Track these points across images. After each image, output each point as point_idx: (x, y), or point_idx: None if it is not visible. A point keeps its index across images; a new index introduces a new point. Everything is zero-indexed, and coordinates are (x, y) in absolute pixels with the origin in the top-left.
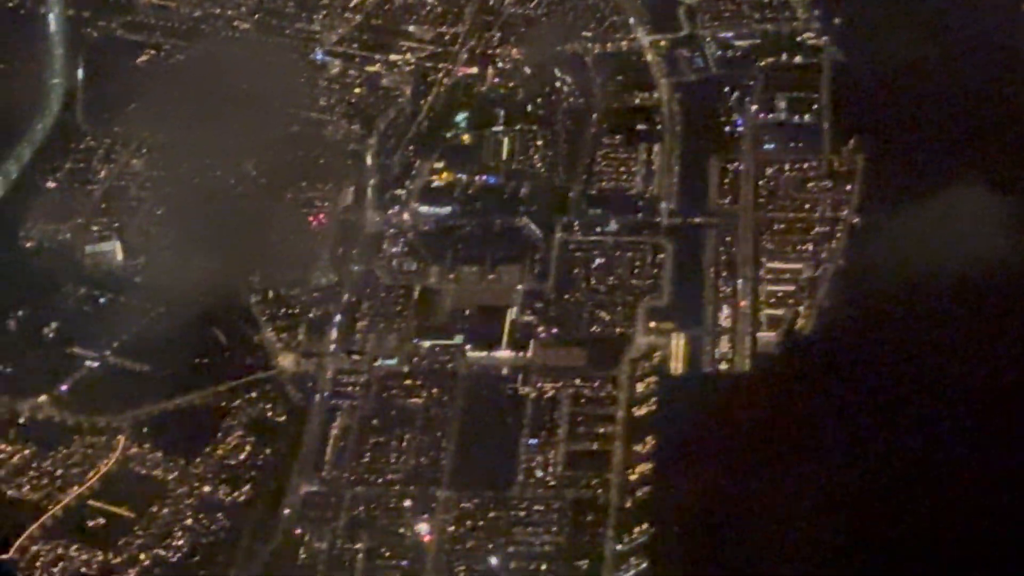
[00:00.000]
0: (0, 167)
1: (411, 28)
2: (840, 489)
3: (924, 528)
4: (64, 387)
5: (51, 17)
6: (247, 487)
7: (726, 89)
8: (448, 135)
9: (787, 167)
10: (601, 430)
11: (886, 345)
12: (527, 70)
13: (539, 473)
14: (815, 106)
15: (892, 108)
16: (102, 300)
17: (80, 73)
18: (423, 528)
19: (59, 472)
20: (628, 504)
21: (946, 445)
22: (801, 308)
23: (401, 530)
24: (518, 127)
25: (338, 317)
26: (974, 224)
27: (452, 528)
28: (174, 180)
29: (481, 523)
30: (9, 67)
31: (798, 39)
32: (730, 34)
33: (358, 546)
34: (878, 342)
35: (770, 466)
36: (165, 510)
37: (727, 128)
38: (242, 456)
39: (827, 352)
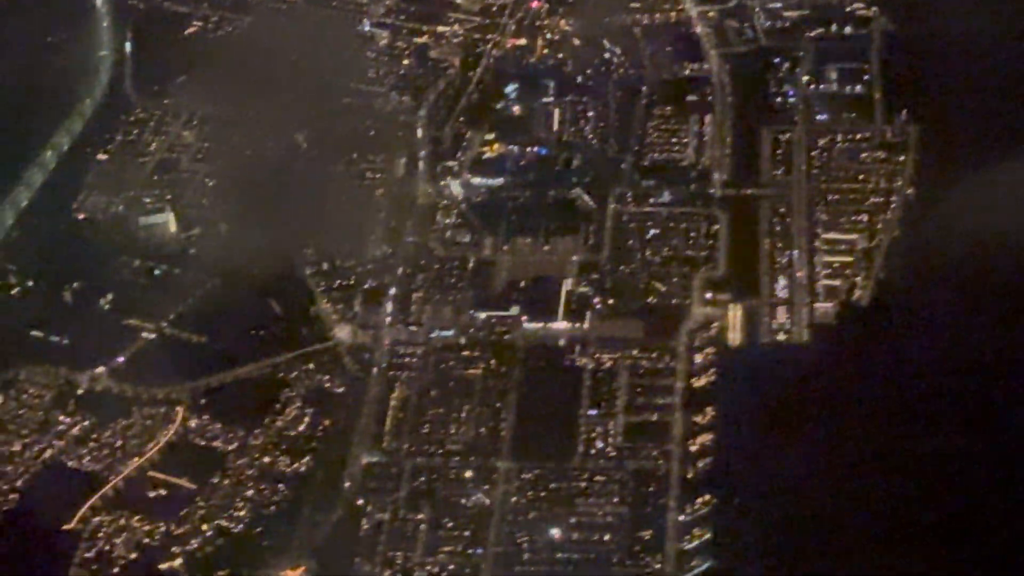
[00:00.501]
0: (51, 140)
1: (460, 1)
2: (900, 458)
3: (985, 495)
4: (121, 359)
5: None
6: (307, 458)
7: (776, 60)
8: (498, 106)
9: (839, 138)
10: (660, 401)
11: (944, 316)
12: (576, 41)
13: (599, 444)
14: (866, 77)
15: (944, 78)
16: (157, 272)
17: (128, 45)
18: (485, 499)
19: (119, 443)
20: (690, 475)
21: (1005, 414)
22: (858, 279)
23: (463, 501)
24: (568, 98)
25: (393, 289)
26: None
27: (514, 499)
28: (226, 152)
29: (542, 494)
30: (57, 40)
31: (847, 9)
32: (779, 4)
33: (420, 517)
34: (935, 313)
35: (830, 437)
36: (226, 481)
37: (778, 99)
38: (301, 427)
39: (885, 323)
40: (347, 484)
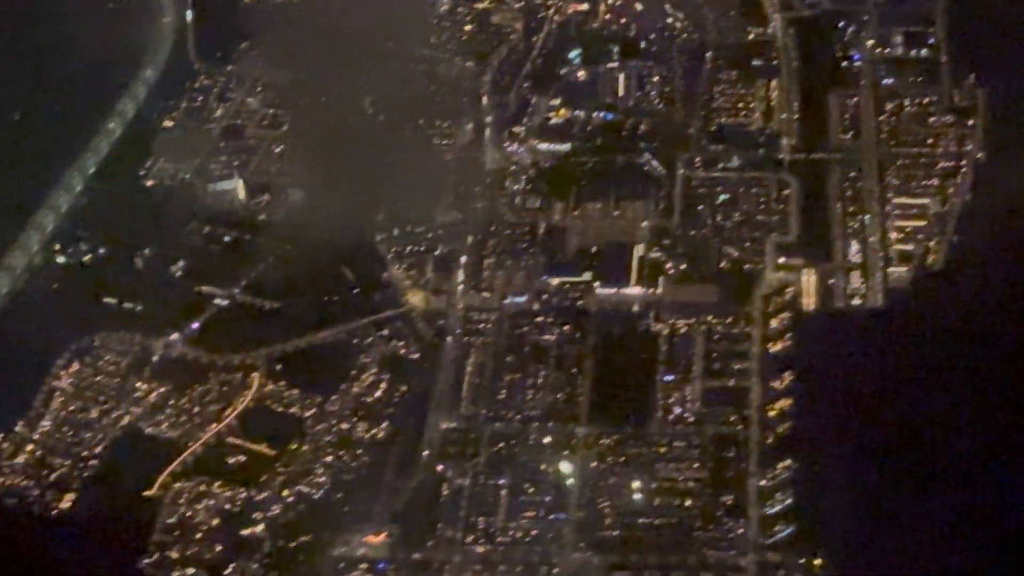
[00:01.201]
0: (116, 107)
1: None
2: (978, 422)
3: None
4: (195, 325)
5: None
6: (385, 424)
7: (840, 24)
8: (563, 72)
9: (907, 102)
10: (737, 366)
11: (1019, 280)
12: (638, 6)
13: (677, 409)
14: (931, 40)
15: (1011, 39)
16: (227, 238)
17: (189, 13)
18: (565, 465)
19: (196, 410)
20: (769, 440)
21: None
22: (931, 243)
23: (543, 466)
24: (633, 63)
25: (464, 255)
26: None
27: (594, 464)
28: (291, 119)
29: (622, 459)
30: (119, 8)
31: None
32: None
33: (501, 482)
34: (1010, 277)
35: (908, 401)
36: (305, 447)
37: (844, 63)
38: (378, 393)
39: (960, 287)
40: (426, 450)
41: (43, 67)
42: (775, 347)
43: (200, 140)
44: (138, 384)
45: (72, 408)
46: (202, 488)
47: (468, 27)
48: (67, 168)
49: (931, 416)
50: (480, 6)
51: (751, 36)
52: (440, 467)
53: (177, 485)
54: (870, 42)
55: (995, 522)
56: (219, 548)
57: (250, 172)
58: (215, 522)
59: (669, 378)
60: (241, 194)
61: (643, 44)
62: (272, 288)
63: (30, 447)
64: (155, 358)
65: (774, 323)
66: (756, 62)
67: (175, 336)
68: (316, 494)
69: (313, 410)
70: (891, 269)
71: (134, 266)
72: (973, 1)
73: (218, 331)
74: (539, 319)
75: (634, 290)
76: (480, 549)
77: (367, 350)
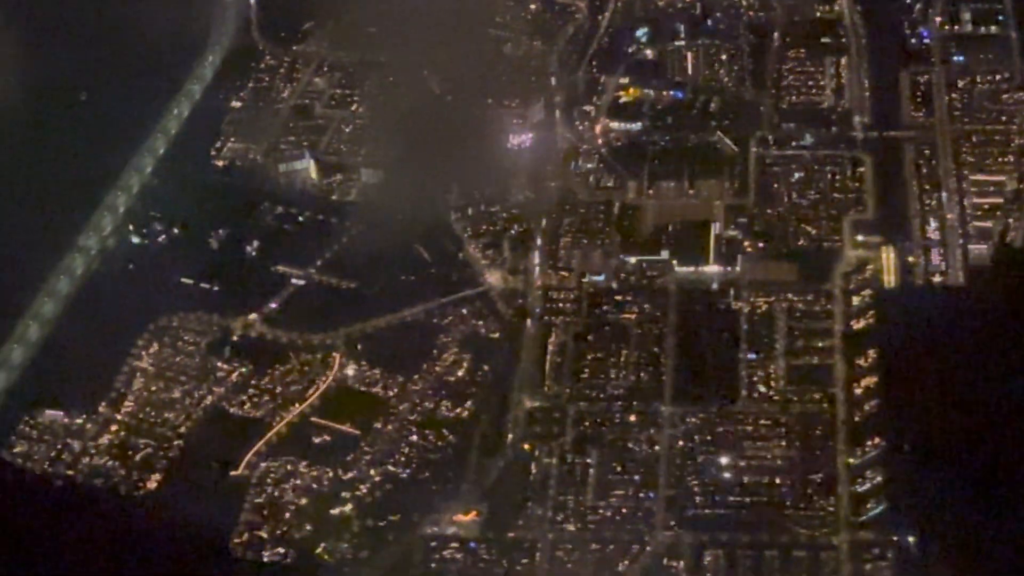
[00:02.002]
0: (183, 87)
1: None
2: None
3: None
4: (273, 305)
5: None
6: (469, 403)
7: (908, 1)
8: (630, 50)
9: (979, 79)
10: (820, 344)
11: None
12: None
13: (761, 388)
14: (1000, 17)
15: None
16: (301, 218)
17: None
18: (652, 443)
19: (278, 390)
20: (857, 418)
21: None
22: (1011, 220)
23: (630, 445)
24: (700, 42)
25: (540, 234)
26: None
27: (681, 443)
28: (359, 98)
29: (709, 437)
30: None
31: None
32: None
33: (588, 461)
34: None
35: (997, 376)
36: (389, 427)
37: (913, 40)
38: (460, 373)
39: None
40: (511, 429)
41: (107, 48)
42: (858, 325)
43: (268, 120)
44: (219, 364)
45: (154, 388)
46: (288, 468)
47: (533, 6)
48: (137, 149)
49: (1019, 392)
50: None
51: (818, 14)
52: (526, 446)
53: (263, 465)
54: (938, 19)
55: None
56: (308, 528)
57: (321, 152)
58: (303, 501)
59: (752, 356)
60: (313, 174)
61: (709, 22)
62: (348, 268)
63: (114, 427)
64: (234, 338)
65: (856, 301)
66: (825, 39)
67: (253, 316)
68: (403, 473)
69: (395, 390)
70: (970, 246)
71: (208, 246)
72: None
73: (296, 311)
74: (618, 298)
75: (713, 268)
76: (571, 528)
77: (447, 329)
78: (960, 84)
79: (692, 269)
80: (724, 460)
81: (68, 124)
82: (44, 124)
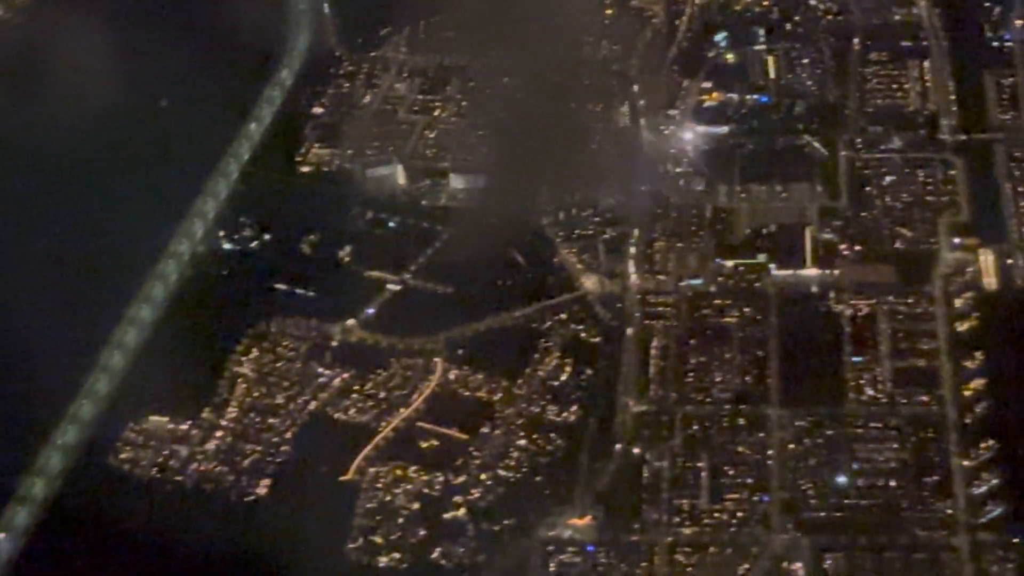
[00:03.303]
0: (264, 94)
1: None
2: None
3: None
4: (371, 310)
5: None
6: (574, 407)
7: (987, 3)
8: (710, 55)
9: None
10: (925, 346)
11: None
12: None
13: (869, 391)
14: None
15: None
16: (392, 223)
17: (326, 4)
18: (764, 449)
19: (382, 395)
20: (968, 420)
21: None
22: None
23: (740, 448)
24: (780, 45)
25: (634, 238)
26: None
27: (792, 446)
28: (442, 103)
29: (820, 440)
30: None
31: None
32: None
33: (700, 464)
34: None
35: None
36: (497, 431)
37: (995, 43)
38: (564, 377)
39: None
40: (619, 433)
41: (187, 55)
42: (963, 327)
43: (352, 126)
44: (320, 369)
45: (257, 394)
46: (398, 472)
47: (610, 11)
48: (221, 155)
49: None
50: None
51: (897, 17)
52: (637, 450)
53: (372, 470)
54: (1019, 22)
55: None
56: (422, 532)
57: (406, 157)
58: (415, 506)
59: (857, 359)
60: (401, 179)
61: (788, 26)
62: (443, 273)
63: (219, 433)
64: (334, 343)
65: (958, 303)
66: (905, 43)
67: (351, 321)
68: (514, 477)
69: (500, 394)
70: None
71: (300, 251)
72: None
73: (393, 316)
74: (717, 301)
75: (811, 271)
76: (687, 531)
77: (547, 334)
78: None
79: (790, 272)
80: (836, 463)
81: (153, 131)
82: (130, 132)
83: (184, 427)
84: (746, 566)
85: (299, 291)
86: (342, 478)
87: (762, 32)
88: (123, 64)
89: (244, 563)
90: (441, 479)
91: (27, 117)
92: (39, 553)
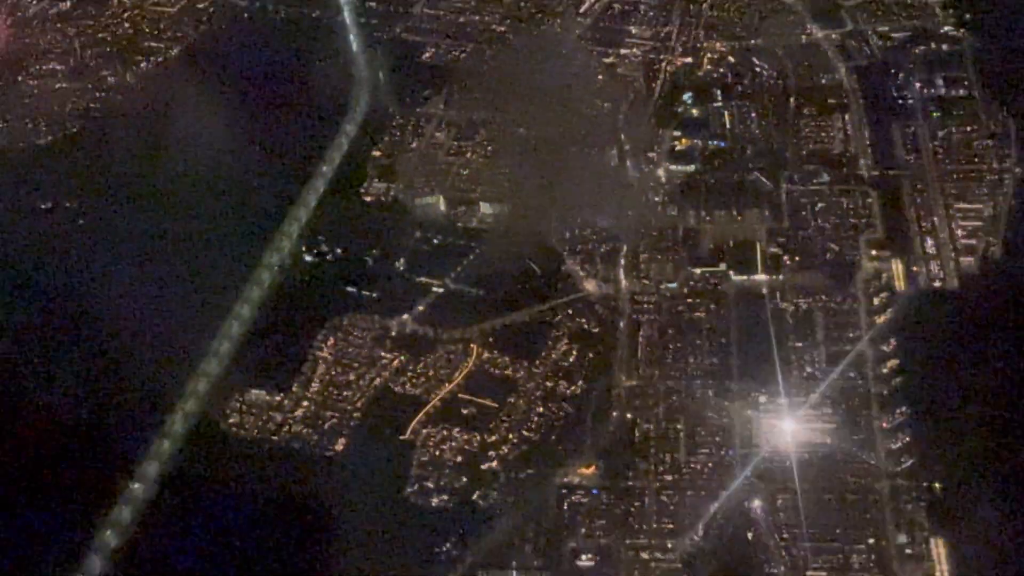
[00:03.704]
0: (334, 141)
1: (632, 29)
2: None
3: None
4: (420, 308)
5: (348, 24)
6: (580, 382)
7: (892, 71)
8: (679, 110)
9: (954, 130)
10: (851, 334)
11: None
12: (731, 59)
13: (808, 369)
14: (966, 82)
15: None
16: (435, 241)
17: (381, 69)
18: (728, 414)
19: (431, 372)
20: (885, 392)
21: None
22: (990, 239)
23: (710, 414)
24: (733, 103)
25: (624, 251)
26: None
27: (748, 412)
28: (473, 148)
29: (771, 408)
30: (325, 64)
31: (941, 31)
32: (887, 28)
33: (679, 427)
34: None
35: (993, 356)
36: (520, 401)
37: (900, 101)
38: (571, 359)
39: (1015, 271)
40: (616, 403)
41: (275, 112)
42: (880, 319)
43: (403, 166)
44: (382, 353)
45: (334, 373)
46: (444, 433)
47: (600, 76)
48: (302, 189)
49: (1010, 366)
50: (607, 60)
51: (824, 81)
52: (629, 415)
53: (424, 431)
54: (918, 84)
55: None
56: (464, 479)
57: (446, 189)
58: (458, 459)
59: (799, 345)
60: (442, 207)
61: (739, 88)
62: (475, 279)
63: (305, 403)
64: (393, 334)
65: (876, 301)
66: (830, 100)
67: (406, 316)
68: (535, 437)
69: (522, 372)
70: (961, 259)
71: (365, 263)
72: (995, 51)
73: (438, 312)
74: (689, 300)
75: (761, 277)
76: (670, 478)
77: (558, 326)
78: (940, 134)
79: (745, 278)
80: (784, 425)
81: (250, 170)
82: (232, 170)
83: (278, 398)
84: (716, 505)
85: (364, 293)
86: (401, 437)
87: (719, 92)
88: (225, 118)
89: (325, 506)
90: (478, 438)
91: (153, 159)
92: (167, 499)
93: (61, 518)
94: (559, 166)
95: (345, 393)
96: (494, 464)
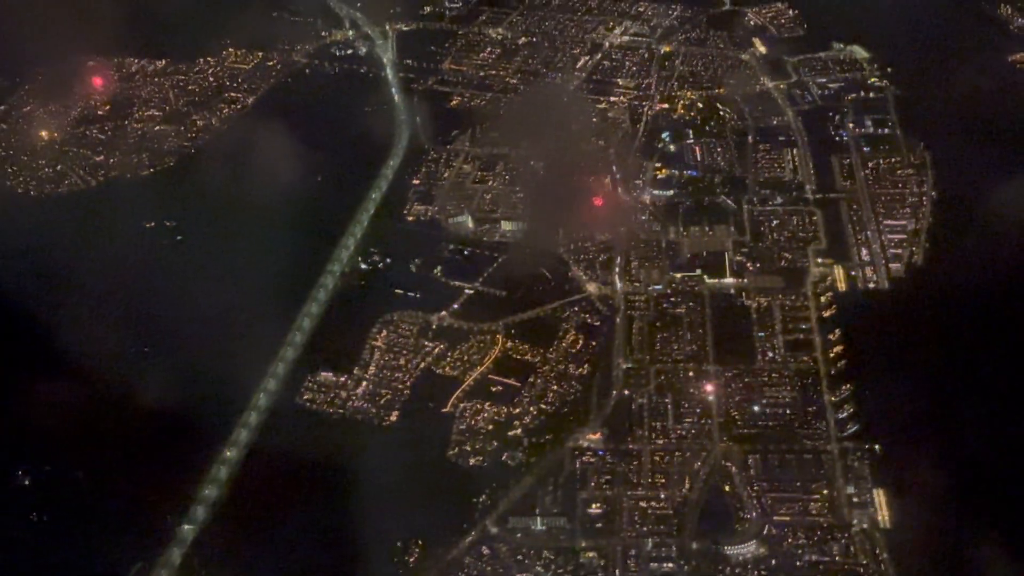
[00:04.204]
0: (381, 172)
1: (619, 81)
2: (958, 354)
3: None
4: (455, 306)
5: (390, 78)
6: (586, 366)
7: (830, 113)
8: (660, 146)
9: (881, 161)
10: (803, 326)
11: (968, 268)
12: (700, 105)
13: (770, 354)
14: (890, 123)
15: (944, 119)
16: (466, 252)
17: (417, 114)
18: (707, 389)
19: (465, 358)
20: (832, 371)
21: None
22: (914, 248)
23: (691, 390)
24: (703, 140)
25: (618, 260)
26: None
27: (723, 388)
28: (493, 177)
29: (741, 385)
30: (373, 110)
31: (869, 81)
32: (824, 80)
33: (667, 400)
34: (963, 266)
35: (920, 341)
36: (539, 380)
37: (836, 138)
38: (578, 347)
39: (934, 272)
40: (616, 381)
41: (333, 149)
42: (827, 313)
43: (437, 191)
44: (425, 343)
45: (387, 359)
46: (477, 407)
47: (594, 119)
48: (356, 211)
49: (932, 350)
50: (599, 106)
51: (775, 122)
52: (626, 392)
53: (461, 405)
54: (851, 124)
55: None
56: (495, 444)
57: (472, 210)
58: (489, 427)
59: (761, 334)
60: (470, 224)
61: (707, 128)
62: (499, 282)
63: (364, 383)
64: (433, 327)
65: (823, 299)
66: (781, 138)
67: (443, 313)
68: (551, 409)
69: (539, 357)
70: (891, 264)
71: (409, 270)
72: (912, 98)
73: (469, 310)
74: (673, 299)
75: (729, 280)
76: (661, 441)
77: (567, 320)
78: (870, 164)
79: (717, 281)
80: (753, 398)
81: (315, 196)
82: (300, 196)
83: (343, 379)
84: (699, 463)
85: (410, 294)
86: (443, 410)
87: (691, 132)
88: (292, 154)
89: (382, 466)
90: (505, 411)
91: (239, 188)
92: (255, 461)
93: (171, 475)
94: (565, 192)
95: (396, 375)
96: (518, 431)
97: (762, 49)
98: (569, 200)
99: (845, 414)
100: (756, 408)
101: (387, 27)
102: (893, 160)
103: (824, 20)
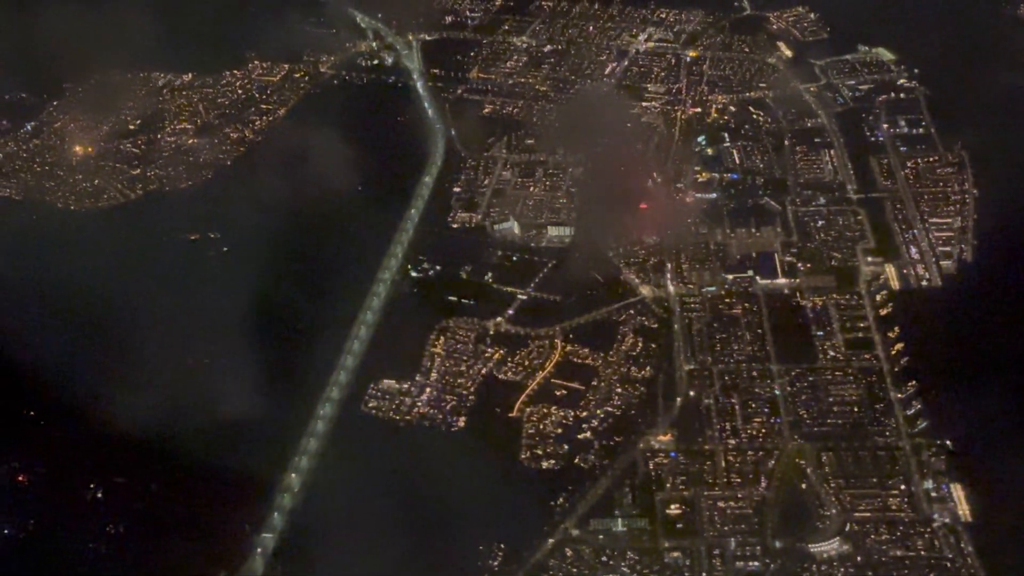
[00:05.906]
0: (422, 180)
1: (649, 86)
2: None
3: None
4: (511, 311)
5: (419, 87)
6: (648, 368)
7: (863, 115)
8: (696, 150)
9: (919, 160)
10: (862, 324)
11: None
12: (732, 108)
13: (831, 353)
14: (923, 123)
15: (978, 116)
16: (515, 258)
17: (451, 123)
18: (772, 389)
19: (526, 363)
20: (896, 369)
21: None
22: (962, 246)
23: (756, 390)
24: (739, 143)
25: (670, 263)
26: None
27: (789, 388)
28: (532, 184)
29: (806, 384)
30: (407, 119)
31: (899, 83)
32: (853, 82)
33: (733, 400)
34: (1009, 259)
35: (979, 334)
36: (603, 384)
37: (872, 138)
38: (639, 349)
39: (987, 269)
40: (680, 383)
41: (377, 160)
42: (884, 311)
43: (480, 198)
44: (484, 348)
45: (447, 365)
46: (544, 411)
47: (629, 124)
48: (401, 220)
49: (992, 343)
50: (634, 112)
51: (809, 124)
52: (691, 393)
53: (528, 409)
54: (885, 125)
55: None
56: (566, 447)
57: (517, 216)
58: (558, 431)
59: (820, 334)
60: (517, 231)
61: (742, 131)
62: (551, 287)
63: (428, 389)
64: (491, 333)
65: (878, 297)
66: (817, 139)
67: (499, 319)
68: (617, 412)
69: (600, 361)
70: (942, 262)
71: (460, 276)
72: (942, 97)
73: (524, 315)
74: (727, 300)
75: (782, 280)
76: (731, 442)
77: (623, 323)
78: (909, 164)
79: (769, 281)
80: (818, 398)
81: (361, 205)
82: (344, 205)
83: (405, 386)
84: (772, 462)
85: (464, 301)
86: (510, 415)
87: (726, 135)
88: (332, 164)
89: (456, 471)
90: (572, 414)
91: (280, 198)
92: (327, 469)
93: (248, 484)
94: (608, 196)
95: (459, 380)
96: (587, 435)
97: (788, 53)
98: (617, 204)
99: (913, 411)
100: (824, 406)
101: (410, 37)
102: (931, 159)
103: (846, 23)
